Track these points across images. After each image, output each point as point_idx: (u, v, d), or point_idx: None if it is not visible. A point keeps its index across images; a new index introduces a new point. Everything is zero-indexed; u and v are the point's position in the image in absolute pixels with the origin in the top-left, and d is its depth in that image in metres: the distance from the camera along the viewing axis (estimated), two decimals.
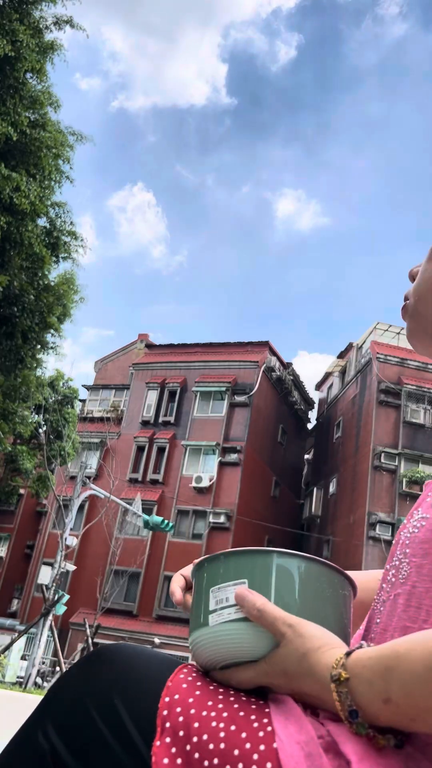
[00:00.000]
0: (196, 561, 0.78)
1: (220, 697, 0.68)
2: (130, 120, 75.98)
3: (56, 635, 14.66)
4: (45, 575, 16.62)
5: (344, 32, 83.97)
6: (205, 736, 0.63)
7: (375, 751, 0.58)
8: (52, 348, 14.77)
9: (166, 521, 15.39)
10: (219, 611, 0.71)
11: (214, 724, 0.64)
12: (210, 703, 0.67)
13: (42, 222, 14.02)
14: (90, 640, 16.37)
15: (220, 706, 0.66)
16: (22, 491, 26.10)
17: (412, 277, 0.89)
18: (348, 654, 0.62)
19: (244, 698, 0.68)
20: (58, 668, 17.00)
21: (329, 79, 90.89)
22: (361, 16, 79.69)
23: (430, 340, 0.85)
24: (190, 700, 0.67)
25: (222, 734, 0.63)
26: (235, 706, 0.66)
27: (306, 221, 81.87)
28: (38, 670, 17.47)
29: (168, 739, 0.64)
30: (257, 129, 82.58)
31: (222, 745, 0.62)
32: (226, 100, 74.70)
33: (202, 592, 0.74)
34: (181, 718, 0.65)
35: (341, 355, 31.86)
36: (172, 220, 75.53)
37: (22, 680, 15.82)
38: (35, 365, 14.77)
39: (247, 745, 0.61)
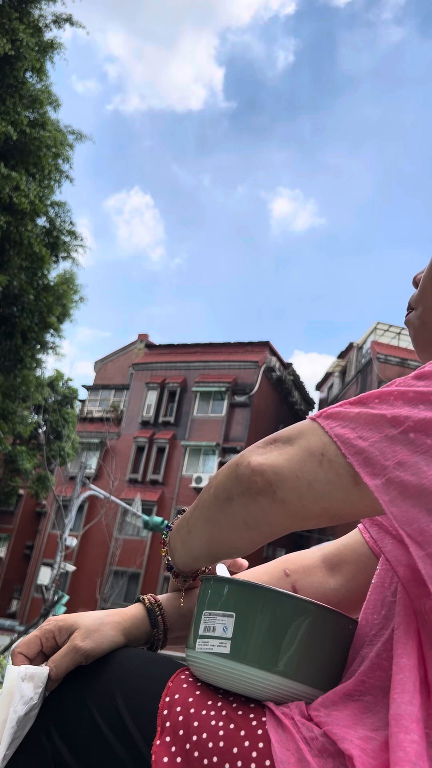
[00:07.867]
0: (204, 576, 0.77)
1: (220, 696, 0.69)
2: (126, 123, 75.69)
3: None
4: (44, 576, 16.59)
5: (341, 37, 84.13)
6: (204, 735, 0.64)
7: (375, 744, 0.57)
8: (51, 348, 14.76)
9: (166, 522, 15.37)
10: (205, 639, 0.70)
11: (213, 722, 0.65)
12: (209, 702, 0.68)
13: (41, 221, 14.01)
14: None
15: (219, 704, 0.67)
16: (21, 492, 26.06)
17: (416, 284, 0.86)
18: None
19: (243, 698, 0.68)
20: None
21: (326, 83, 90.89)
22: (357, 21, 79.66)
23: None
24: (190, 699, 0.68)
25: (221, 732, 0.63)
26: (234, 705, 0.67)
27: (302, 221, 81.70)
28: None
29: (168, 738, 0.65)
30: (254, 132, 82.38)
31: (221, 744, 0.62)
32: (223, 104, 74.47)
33: (200, 610, 0.73)
34: (180, 718, 0.66)
35: (341, 356, 31.87)
36: (170, 221, 75.22)
37: None
38: (35, 365, 14.75)
39: (246, 743, 0.62)
